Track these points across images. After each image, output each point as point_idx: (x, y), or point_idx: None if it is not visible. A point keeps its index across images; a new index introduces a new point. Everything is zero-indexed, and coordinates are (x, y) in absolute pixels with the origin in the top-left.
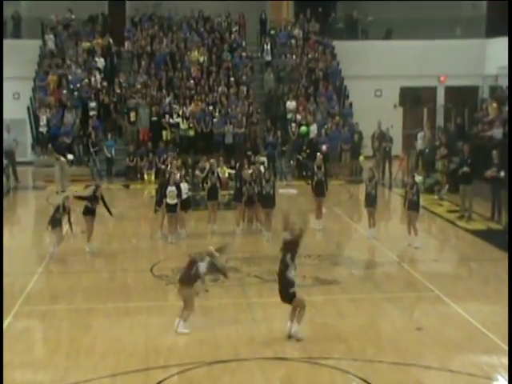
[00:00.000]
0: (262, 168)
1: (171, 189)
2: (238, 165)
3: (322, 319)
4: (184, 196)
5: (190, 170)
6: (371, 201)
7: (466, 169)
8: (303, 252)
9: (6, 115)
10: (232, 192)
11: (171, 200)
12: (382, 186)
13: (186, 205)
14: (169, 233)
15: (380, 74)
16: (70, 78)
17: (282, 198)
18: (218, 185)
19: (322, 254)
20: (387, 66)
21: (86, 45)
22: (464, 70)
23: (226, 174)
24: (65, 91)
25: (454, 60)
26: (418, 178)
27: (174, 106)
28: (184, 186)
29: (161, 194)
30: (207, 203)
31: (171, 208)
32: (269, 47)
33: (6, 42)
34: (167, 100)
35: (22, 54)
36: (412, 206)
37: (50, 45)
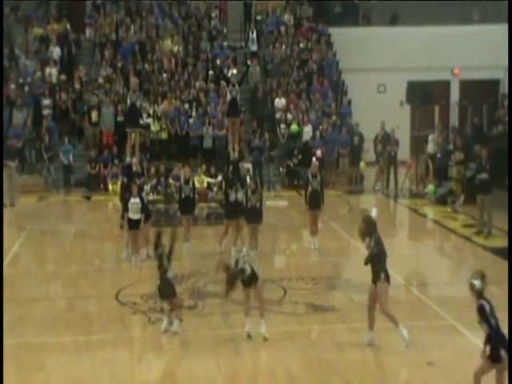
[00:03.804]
0: (247, 176)
1: (134, 201)
2: (226, 171)
3: (316, 352)
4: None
5: (162, 179)
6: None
7: (484, 176)
8: (295, 274)
9: None
10: (212, 205)
11: (134, 214)
12: (387, 196)
13: (146, 215)
14: (132, 253)
15: (384, 67)
16: (19, 70)
17: (270, 211)
18: (192, 196)
19: (317, 276)
20: (392, 56)
21: (38, 31)
22: (482, 61)
23: (205, 184)
24: (13, 86)
25: (470, 49)
26: (429, 188)
27: (144, 104)
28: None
29: (123, 209)
30: (180, 218)
31: (134, 224)
32: (254, 35)
33: None
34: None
35: None
36: None
37: None
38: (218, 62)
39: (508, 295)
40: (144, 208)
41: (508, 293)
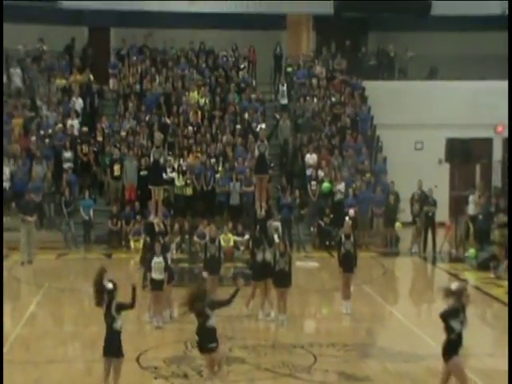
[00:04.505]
0: (275, 235)
1: (157, 260)
2: (253, 229)
3: None
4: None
5: (186, 237)
6: None
7: None
8: (325, 341)
9: None
10: (238, 264)
11: (158, 274)
12: (424, 260)
13: (169, 275)
14: (154, 315)
15: (421, 123)
16: (40, 122)
17: (300, 272)
18: (218, 255)
19: (350, 343)
20: (430, 112)
21: (60, 82)
22: None
23: (232, 243)
24: (33, 138)
25: None
26: (470, 252)
27: (169, 157)
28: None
29: (145, 268)
30: (206, 278)
31: (157, 284)
32: (285, 88)
33: None
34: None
35: None
36: None
37: (17, 81)
38: (247, 115)
39: (508, 299)
40: (167, 268)
41: (508, 296)
